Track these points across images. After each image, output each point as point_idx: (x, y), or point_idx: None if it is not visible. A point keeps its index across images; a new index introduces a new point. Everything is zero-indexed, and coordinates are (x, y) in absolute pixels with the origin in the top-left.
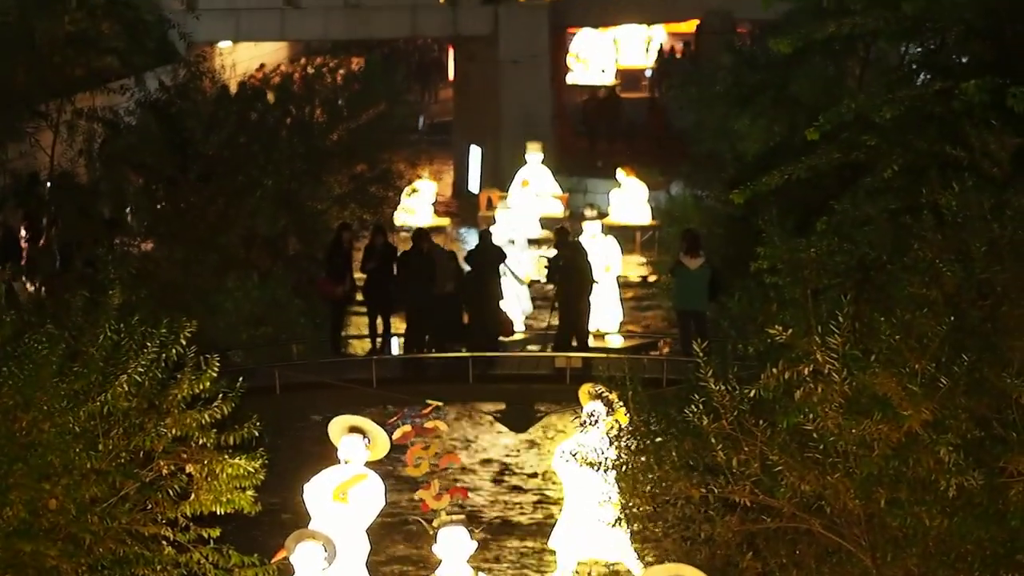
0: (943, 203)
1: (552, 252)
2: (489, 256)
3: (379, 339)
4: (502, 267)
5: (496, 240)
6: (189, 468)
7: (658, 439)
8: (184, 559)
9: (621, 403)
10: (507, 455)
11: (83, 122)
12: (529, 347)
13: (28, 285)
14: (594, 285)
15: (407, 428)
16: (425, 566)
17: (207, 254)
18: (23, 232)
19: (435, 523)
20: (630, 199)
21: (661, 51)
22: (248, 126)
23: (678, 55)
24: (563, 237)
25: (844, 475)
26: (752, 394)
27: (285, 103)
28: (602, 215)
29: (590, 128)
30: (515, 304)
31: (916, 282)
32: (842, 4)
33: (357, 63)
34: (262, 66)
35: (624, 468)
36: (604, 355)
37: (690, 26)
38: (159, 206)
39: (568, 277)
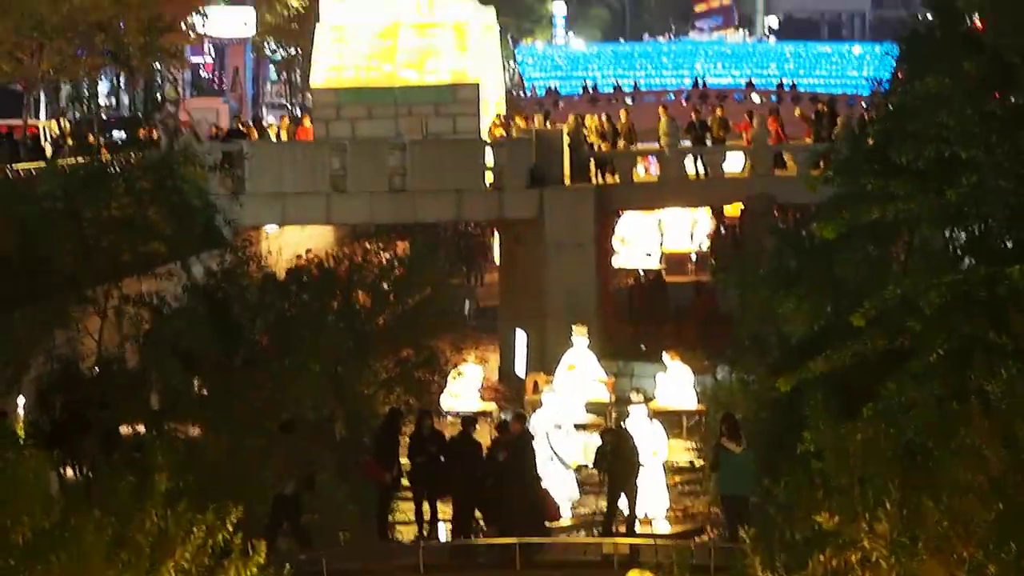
0: (989, 389)
1: (597, 438)
2: (525, 440)
3: (426, 524)
4: (548, 451)
5: (543, 425)
6: None
7: None
8: None
9: None
10: None
11: (130, 307)
12: (576, 533)
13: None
14: (640, 470)
15: None
16: None
17: (253, 438)
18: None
19: None
20: (676, 383)
21: (718, 230)
22: (294, 311)
23: (723, 238)
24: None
25: None
26: None
27: (331, 288)
28: (648, 399)
29: (636, 312)
30: (561, 489)
31: (963, 468)
32: (886, 189)
33: (402, 247)
34: (308, 250)
35: None
36: (651, 541)
37: (735, 209)
38: (205, 391)
39: (615, 462)
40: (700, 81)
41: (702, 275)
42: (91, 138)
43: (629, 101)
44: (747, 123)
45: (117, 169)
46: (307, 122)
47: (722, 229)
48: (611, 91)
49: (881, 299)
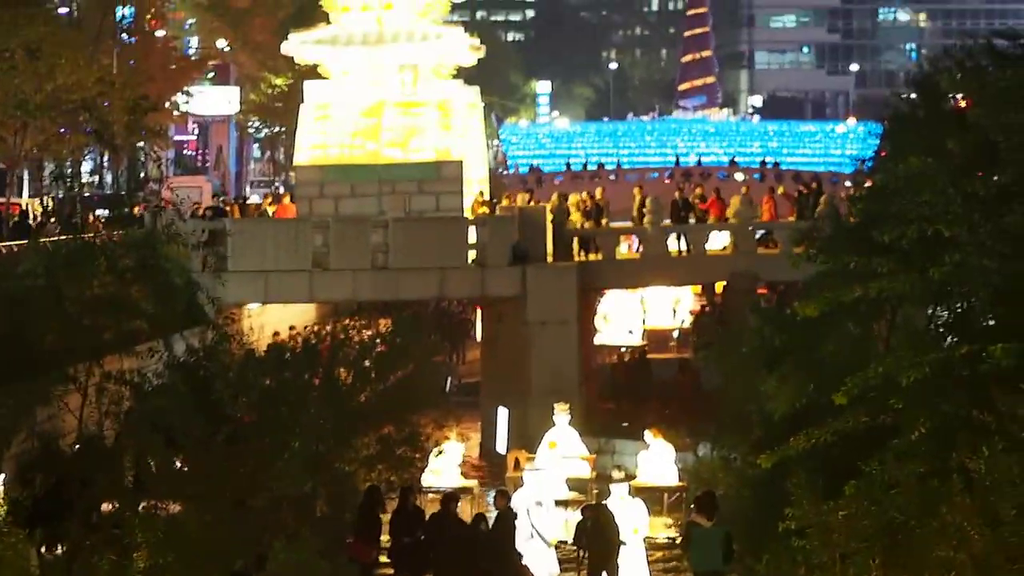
0: (972, 466)
1: (578, 514)
2: (507, 517)
3: None
4: (529, 528)
5: (524, 502)
6: None
7: None
8: None
9: None
10: None
11: (111, 385)
12: None
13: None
14: (621, 547)
15: None
16: None
17: (234, 517)
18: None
19: None
20: (657, 460)
21: (704, 308)
22: (276, 388)
23: (706, 316)
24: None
25: None
26: None
27: (313, 365)
28: (629, 477)
29: (618, 389)
30: (542, 566)
31: (945, 546)
32: (869, 267)
33: (385, 324)
34: (291, 328)
35: None
36: None
37: (718, 287)
38: (186, 468)
39: (595, 539)
40: (685, 158)
41: (684, 352)
42: (79, 217)
43: (612, 179)
44: (714, 200)
45: (99, 247)
46: (286, 200)
47: (707, 307)
48: (594, 169)
49: (864, 377)
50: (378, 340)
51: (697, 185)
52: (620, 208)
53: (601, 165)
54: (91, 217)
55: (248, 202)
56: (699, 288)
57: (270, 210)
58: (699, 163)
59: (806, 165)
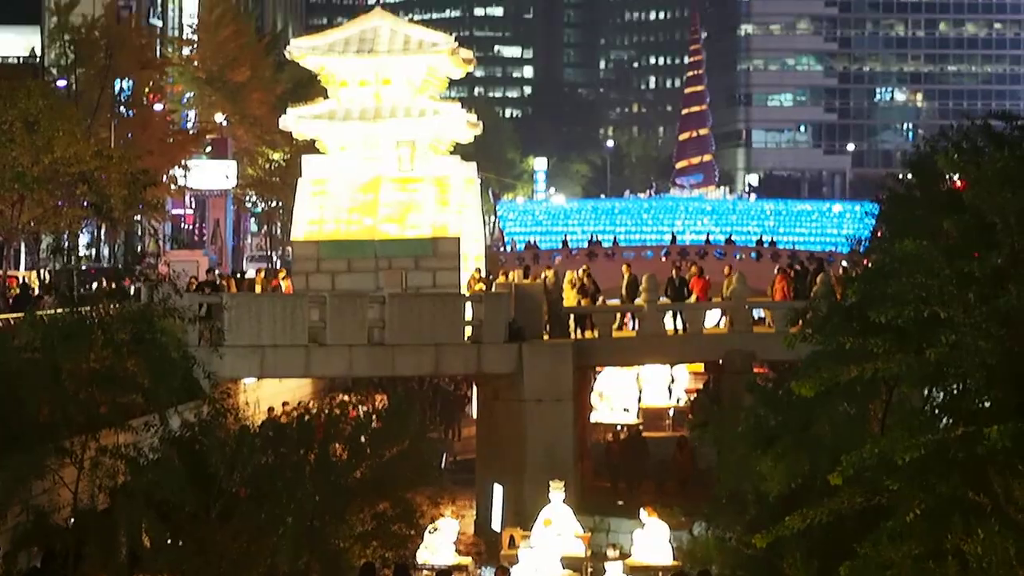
0: (967, 549)
1: None
2: None
3: None
4: None
5: None
6: None
7: None
8: None
9: None
10: None
11: (107, 459)
12: None
13: None
14: None
15: None
16: None
17: None
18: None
19: None
20: (652, 539)
21: (703, 390)
22: (271, 463)
23: (703, 394)
24: None
25: None
26: None
27: (308, 441)
28: (624, 555)
29: (613, 467)
30: None
31: None
32: (865, 347)
33: (380, 399)
34: (285, 403)
35: None
36: None
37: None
38: (180, 543)
39: None
40: (681, 235)
41: (680, 431)
42: (78, 290)
43: (610, 255)
44: (696, 279)
45: (96, 321)
46: (281, 275)
47: (708, 384)
48: (591, 246)
49: (859, 457)
50: (373, 416)
51: (692, 263)
52: (614, 286)
53: (599, 242)
54: (81, 291)
55: (246, 276)
56: (701, 366)
57: (284, 284)
58: (707, 240)
59: (802, 244)
